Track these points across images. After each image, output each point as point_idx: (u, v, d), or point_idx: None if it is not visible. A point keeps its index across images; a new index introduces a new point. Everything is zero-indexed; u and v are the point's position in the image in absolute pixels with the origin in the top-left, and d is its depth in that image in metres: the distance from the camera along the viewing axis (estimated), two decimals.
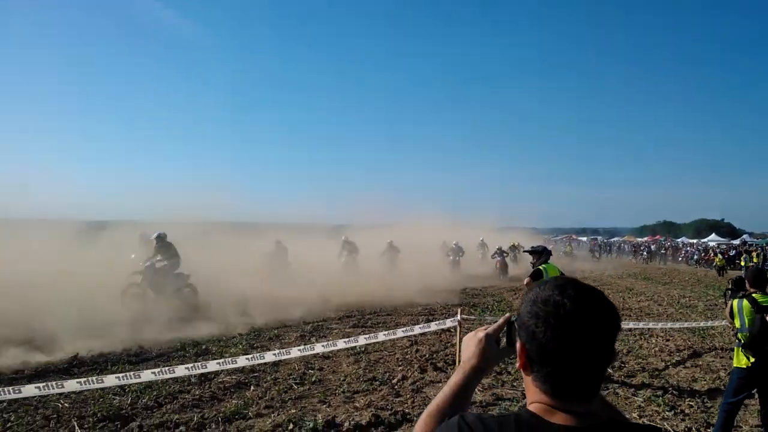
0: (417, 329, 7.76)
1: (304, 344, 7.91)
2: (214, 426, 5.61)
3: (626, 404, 6.34)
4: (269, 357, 6.26)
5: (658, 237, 75.69)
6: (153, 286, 13.07)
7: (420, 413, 4.38)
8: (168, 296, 12.98)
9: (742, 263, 32.41)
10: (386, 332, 7.53)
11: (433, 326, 7.91)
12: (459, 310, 8.10)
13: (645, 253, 48.08)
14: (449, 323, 8.01)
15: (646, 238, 71.16)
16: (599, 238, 70.90)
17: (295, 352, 6.45)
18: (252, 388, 6.99)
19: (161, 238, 13.87)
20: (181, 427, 5.47)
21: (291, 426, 5.63)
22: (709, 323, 10.59)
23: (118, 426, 5.48)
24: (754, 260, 31.76)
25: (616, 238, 74.46)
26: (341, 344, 6.85)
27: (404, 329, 7.72)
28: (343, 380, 7.41)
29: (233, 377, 7.33)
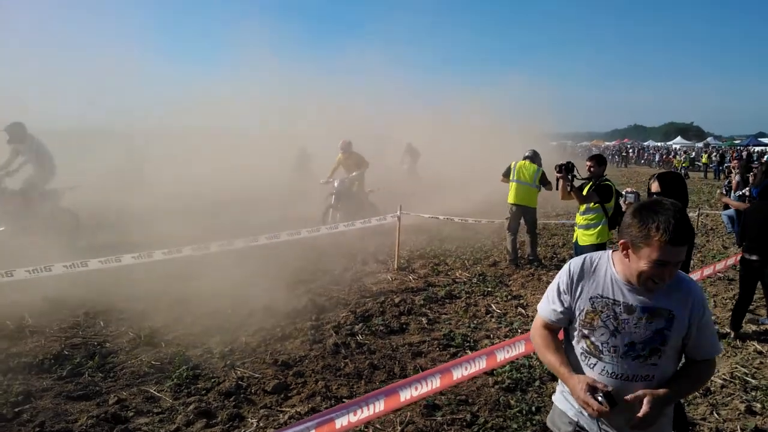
0: (358, 224, 9.03)
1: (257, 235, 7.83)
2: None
3: None
4: (213, 248, 7.00)
5: (626, 140, 77.67)
6: None
7: (356, 299, 7.04)
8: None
9: (703, 161, 39.46)
10: (329, 226, 9.02)
11: (374, 221, 9.34)
12: (399, 206, 9.26)
13: (616, 157, 50.81)
14: (389, 218, 9.29)
15: (614, 142, 72.35)
16: (569, 143, 66.79)
17: (239, 243, 7.35)
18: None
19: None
20: None
21: (230, 310, 6.62)
22: None
23: None
24: (703, 161, 39.59)
25: (584, 143, 73.65)
26: (284, 236, 7.90)
27: (345, 224, 9.09)
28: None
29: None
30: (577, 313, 2.19)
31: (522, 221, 9.69)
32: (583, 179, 6.75)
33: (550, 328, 2.32)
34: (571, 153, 49.85)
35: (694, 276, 6.77)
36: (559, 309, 2.23)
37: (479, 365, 3.19)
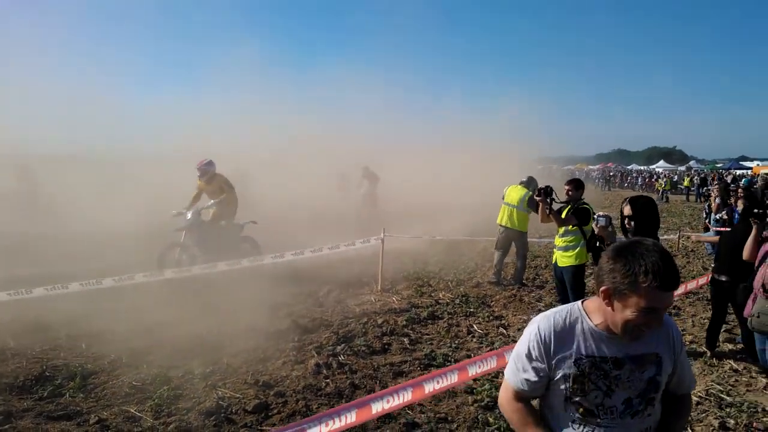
0: (342, 247, 9.10)
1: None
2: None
3: None
4: (196, 270, 7.60)
5: (609, 164, 79.79)
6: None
7: (338, 320, 6.98)
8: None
9: (685, 184, 40.57)
10: (313, 249, 8.80)
11: (358, 244, 9.24)
12: (383, 229, 9.32)
13: (599, 180, 52.68)
14: (373, 240, 9.31)
15: (597, 166, 74.57)
16: (554, 166, 66.18)
17: (222, 266, 7.83)
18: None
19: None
20: None
21: (212, 333, 6.66)
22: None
23: None
24: (685, 184, 40.68)
25: (569, 166, 74.39)
26: (268, 260, 8.37)
27: (330, 246, 8.96)
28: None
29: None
30: (560, 379, 1.97)
31: (513, 246, 9.94)
32: (561, 203, 6.90)
33: (524, 398, 2.09)
34: (560, 176, 50.37)
35: None
36: (534, 378, 2.01)
37: (451, 379, 3.28)
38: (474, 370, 3.45)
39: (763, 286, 5.06)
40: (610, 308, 1.88)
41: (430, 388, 3.17)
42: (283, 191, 18.95)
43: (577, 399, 1.96)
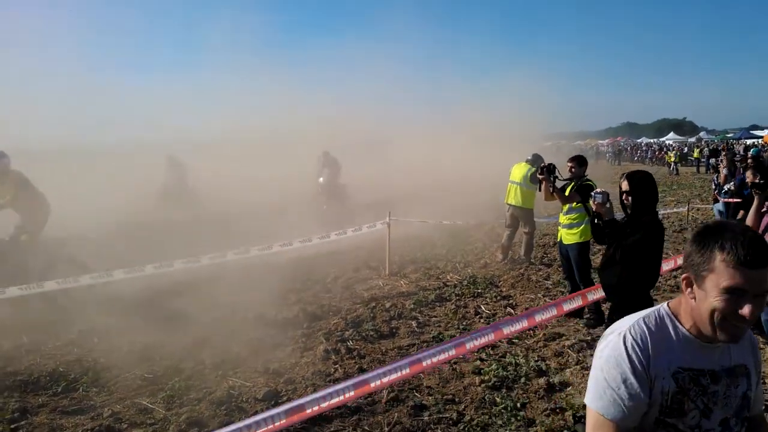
0: (350, 232, 9.06)
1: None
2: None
3: None
4: (205, 260, 7.22)
5: (619, 138, 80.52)
6: None
7: (347, 306, 7.04)
8: None
9: (695, 155, 39.94)
10: (321, 236, 8.77)
11: (365, 228, 9.25)
12: (388, 213, 9.39)
13: (609, 155, 53.26)
14: (379, 225, 9.33)
15: (607, 141, 74.72)
16: (563, 142, 67.21)
17: (230, 256, 7.51)
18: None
19: None
20: None
21: (222, 323, 6.74)
22: None
23: None
24: (695, 155, 39.98)
25: (578, 142, 74.87)
26: (276, 248, 8.02)
27: (337, 232, 8.93)
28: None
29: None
30: (655, 398, 1.63)
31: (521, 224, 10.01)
32: (565, 180, 6.88)
33: None
34: (568, 152, 49.54)
35: (668, 265, 6.85)
36: (644, 401, 1.62)
37: (448, 353, 3.32)
38: (470, 344, 3.50)
39: None
40: (693, 300, 1.61)
41: (427, 362, 3.22)
42: (243, 181, 18.92)
43: (671, 421, 1.64)
